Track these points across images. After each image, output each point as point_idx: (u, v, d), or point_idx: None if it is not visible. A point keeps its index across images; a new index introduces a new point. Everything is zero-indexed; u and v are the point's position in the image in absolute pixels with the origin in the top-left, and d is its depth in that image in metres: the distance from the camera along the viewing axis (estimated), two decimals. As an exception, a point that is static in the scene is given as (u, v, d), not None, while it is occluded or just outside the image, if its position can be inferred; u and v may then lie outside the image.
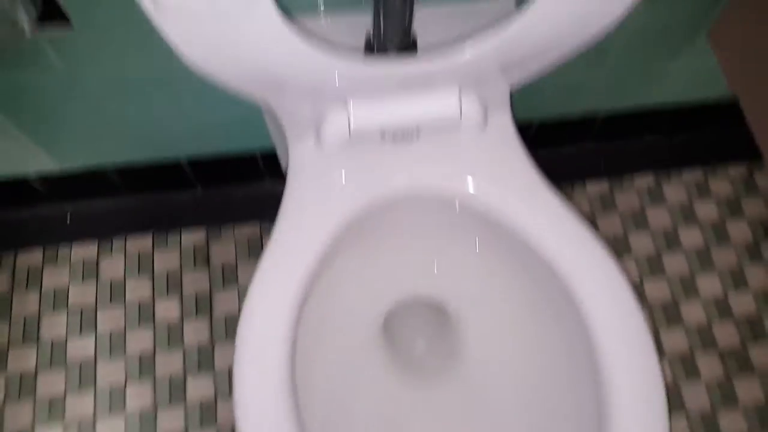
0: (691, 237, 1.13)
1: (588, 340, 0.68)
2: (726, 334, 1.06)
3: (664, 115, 1.06)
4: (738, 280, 1.10)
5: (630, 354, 0.66)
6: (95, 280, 1.09)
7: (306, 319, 0.72)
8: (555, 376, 0.75)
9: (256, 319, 0.68)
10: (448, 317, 0.85)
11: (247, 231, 1.11)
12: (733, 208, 1.15)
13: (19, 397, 1.01)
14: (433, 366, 0.85)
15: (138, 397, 1.02)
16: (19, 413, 1.00)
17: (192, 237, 1.11)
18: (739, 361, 1.04)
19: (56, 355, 1.04)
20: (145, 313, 1.07)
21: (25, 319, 1.06)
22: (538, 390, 0.76)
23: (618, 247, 1.11)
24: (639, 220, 1.14)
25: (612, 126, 1.07)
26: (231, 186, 1.09)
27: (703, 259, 1.11)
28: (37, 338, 1.05)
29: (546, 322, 0.75)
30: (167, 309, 1.07)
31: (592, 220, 1.11)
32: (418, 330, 0.89)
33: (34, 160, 0.96)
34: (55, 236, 1.11)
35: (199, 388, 1.02)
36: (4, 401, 1.01)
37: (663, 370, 0.66)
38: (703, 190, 1.16)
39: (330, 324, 0.78)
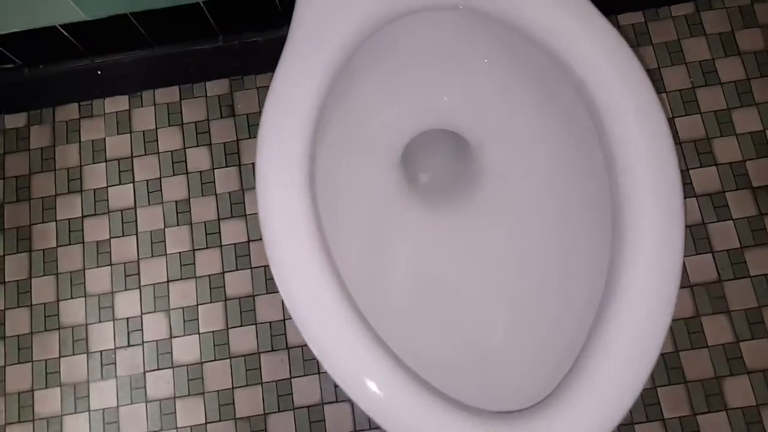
0: (731, 69, 1.06)
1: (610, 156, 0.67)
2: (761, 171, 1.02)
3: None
4: (779, 114, 1.04)
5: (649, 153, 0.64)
6: (129, 132, 1.12)
7: (324, 138, 0.73)
8: (574, 189, 0.75)
9: (273, 133, 0.69)
10: (467, 144, 0.84)
11: (268, 79, 1.10)
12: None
13: (69, 242, 1.08)
14: (454, 192, 0.85)
15: (176, 241, 1.07)
16: (71, 257, 1.07)
17: (216, 87, 1.11)
18: (773, 198, 1.01)
19: (99, 204, 1.10)
20: (178, 162, 1.10)
21: (68, 170, 1.11)
22: (558, 203, 0.76)
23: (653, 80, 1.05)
24: (675, 54, 1.07)
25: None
26: (251, 33, 1.08)
27: (743, 92, 1.05)
28: (81, 188, 1.10)
29: (565, 137, 0.74)
30: (198, 158, 1.10)
31: (625, 58, 1.05)
32: (437, 158, 0.89)
33: (62, 12, 0.97)
34: (89, 91, 1.13)
35: (232, 232, 1.06)
36: (57, 247, 1.08)
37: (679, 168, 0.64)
38: (747, 17, 1.07)
39: (349, 147, 0.79)
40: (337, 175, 0.79)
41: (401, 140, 0.84)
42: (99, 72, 1.12)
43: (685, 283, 0.99)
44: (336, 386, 0.99)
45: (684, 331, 0.97)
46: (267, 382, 1.01)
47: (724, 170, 1.02)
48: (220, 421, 1.00)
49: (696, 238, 1.00)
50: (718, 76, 1.05)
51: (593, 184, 0.71)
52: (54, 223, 1.09)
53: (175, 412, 1.01)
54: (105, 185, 1.09)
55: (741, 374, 0.95)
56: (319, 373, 1.00)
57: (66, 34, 1.02)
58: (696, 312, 0.98)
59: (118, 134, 1.11)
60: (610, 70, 0.66)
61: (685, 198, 0.72)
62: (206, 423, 1.00)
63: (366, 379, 0.62)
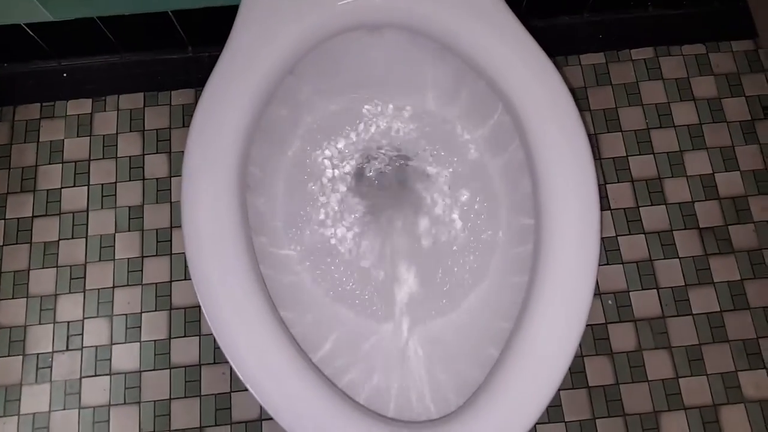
0: (685, 113, 1.07)
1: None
2: (708, 213, 1.03)
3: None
4: (728, 159, 1.05)
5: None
6: (89, 135, 1.09)
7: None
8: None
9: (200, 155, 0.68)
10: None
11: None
12: (733, 85, 1.08)
13: (16, 241, 1.04)
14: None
15: (126, 247, 1.03)
16: (16, 257, 1.03)
17: (182, 96, 1.10)
18: (718, 241, 1.02)
19: (51, 205, 1.06)
20: (136, 168, 1.08)
21: (23, 169, 1.07)
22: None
23: (610, 120, 1.08)
24: (632, 95, 1.08)
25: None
26: (221, 47, 1.07)
27: (695, 136, 1.06)
28: (34, 188, 1.07)
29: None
30: (156, 165, 1.07)
31: (584, 94, 1.07)
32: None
33: (27, 11, 0.95)
34: (52, 92, 1.10)
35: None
36: (2, 245, 1.05)
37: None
38: (703, 66, 1.09)
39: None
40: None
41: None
42: (65, 74, 1.10)
43: (630, 317, 0.98)
44: (276, 403, 0.96)
45: (626, 364, 0.96)
46: (206, 395, 0.97)
47: (674, 210, 1.02)
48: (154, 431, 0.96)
49: (642, 274, 0.99)
50: (672, 119, 1.06)
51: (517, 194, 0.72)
52: (2, 221, 1.05)
53: (108, 421, 0.96)
54: (59, 186, 1.06)
55: (678, 410, 0.94)
56: (259, 388, 0.97)
57: (32, 34, 1.01)
58: (638, 346, 0.97)
59: (77, 137, 1.09)
60: (522, 69, 0.68)
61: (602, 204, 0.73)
62: (140, 433, 0.96)
63: (276, 379, 0.61)
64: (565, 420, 0.94)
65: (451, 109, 0.81)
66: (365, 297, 0.77)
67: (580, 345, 0.97)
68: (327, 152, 0.83)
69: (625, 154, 1.05)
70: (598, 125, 1.06)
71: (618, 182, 1.03)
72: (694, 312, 0.98)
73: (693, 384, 0.95)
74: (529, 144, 0.67)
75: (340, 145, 0.83)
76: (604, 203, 1.02)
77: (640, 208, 1.02)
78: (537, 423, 0.93)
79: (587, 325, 0.98)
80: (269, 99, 0.72)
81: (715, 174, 1.03)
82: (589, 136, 0.91)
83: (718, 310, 0.98)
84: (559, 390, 0.94)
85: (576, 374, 0.96)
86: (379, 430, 0.58)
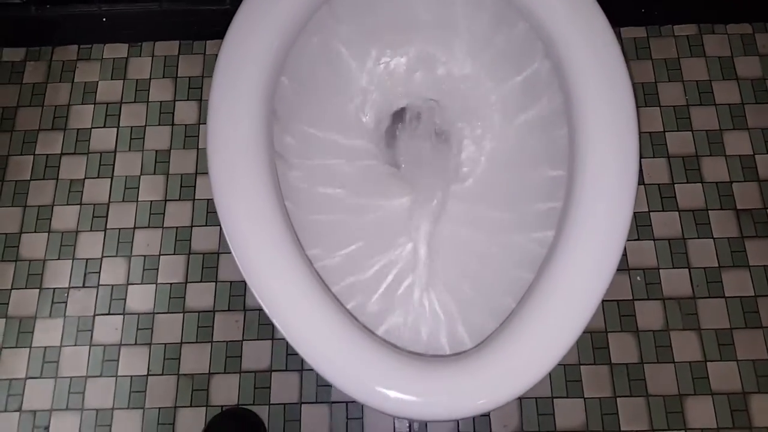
0: (726, 92, 1.01)
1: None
2: (747, 195, 0.97)
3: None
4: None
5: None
6: (122, 78, 1.08)
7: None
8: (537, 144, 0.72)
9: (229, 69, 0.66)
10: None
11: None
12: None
13: (43, 177, 1.03)
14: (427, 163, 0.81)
15: (150, 189, 1.00)
16: (42, 192, 1.01)
17: (216, 47, 1.08)
18: (756, 224, 0.95)
19: (80, 144, 1.05)
20: (166, 113, 1.06)
21: (55, 107, 1.06)
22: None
23: (648, 94, 1.02)
24: (673, 71, 1.03)
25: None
26: None
27: (736, 116, 1.00)
28: (65, 126, 1.06)
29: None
30: (186, 111, 1.05)
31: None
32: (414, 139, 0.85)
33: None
34: (90, 36, 1.09)
35: (208, 187, 1.00)
36: (30, 180, 1.03)
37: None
38: (748, 46, 1.04)
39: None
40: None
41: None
42: (104, 19, 1.08)
43: (658, 295, 0.92)
44: (288, 354, 0.92)
45: (651, 344, 0.90)
46: (217, 341, 0.93)
47: (710, 189, 0.97)
48: (162, 374, 0.92)
49: (674, 252, 0.94)
50: (713, 97, 1.01)
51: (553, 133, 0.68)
52: (32, 156, 1.03)
53: (117, 360, 0.93)
54: (89, 126, 1.04)
55: (705, 394, 0.88)
56: (272, 339, 0.93)
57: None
58: (666, 325, 0.91)
59: (111, 79, 1.07)
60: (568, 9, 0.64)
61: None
62: (148, 375, 0.92)
63: (302, 316, 0.57)
64: (585, 396, 0.89)
65: (484, 57, 0.78)
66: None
67: (604, 319, 0.92)
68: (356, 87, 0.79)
69: (662, 130, 0.99)
70: (636, 99, 1.01)
71: (654, 157, 0.98)
72: (726, 295, 0.92)
73: (722, 369, 0.89)
74: (570, 89, 0.63)
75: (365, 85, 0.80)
76: (638, 179, 0.97)
77: (675, 185, 0.97)
78: (555, 397, 0.89)
79: (613, 300, 0.93)
80: (300, 30, 0.69)
81: (756, 155, 0.98)
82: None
83: (753, 294, 0.92)
84: (580, 364, 0.90)
85: (599, 350, 0.90)
86: (398, 362, 0.54)
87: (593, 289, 0.57)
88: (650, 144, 0.99)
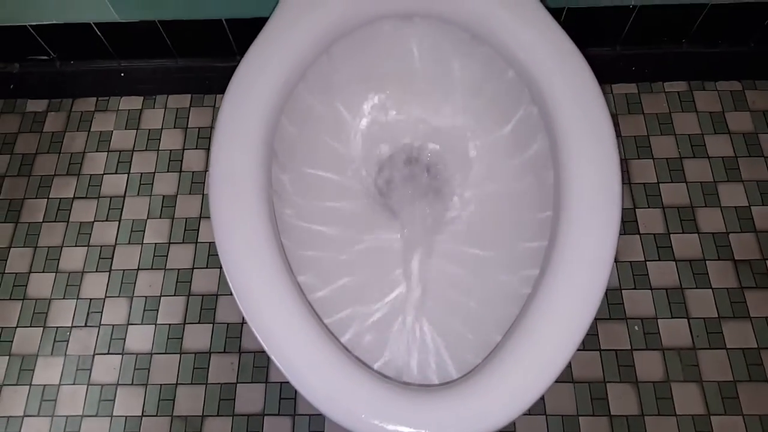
0: (719, 146, 1.03)
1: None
2: (744, 246, 0.96)
3: (705, 19, 0.99)
4: (765, 193, 0.99)
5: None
6: (136, 128, 1.12)
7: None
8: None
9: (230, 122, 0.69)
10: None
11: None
12: (770, 122, 1.03)
13: (55, 219, 1.06)
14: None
15: (156, 232, 1.03)
16: (53, 233, 1.04)
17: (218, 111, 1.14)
18: (755, 274, 0.94)
19: (92, 188, 1.08)
20: (174, 161, 1.10)
21: (71, 155, 1.11)
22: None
23: (641, 146, 1.04)
24: (665, 125, 1.05)
25: (645, 24, 1.00)
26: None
27: (730, 168, 1.02)
28: (79, 172, 1.10)
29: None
30: (194, 159, 1.09)
31: (614, 121, 1.05)
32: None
33: (98, 10, 1.02)
34: (108, 89, 1.15)
35: (210, 232, 1.03)
36: (42, 222, 1.07)
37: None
38: (738, 102, 1.06)
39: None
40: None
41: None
42: (122, 74, 1.15)
43: (657, 345, 0.91)
44: (281, 399, 0.92)
45: (652, 395, 0.88)
46: (212, 383, 0.93)
47: (707, 239, 0.97)
48: (156, 415, 0.92)
49: (672, 302, 0.93)
50: (706, 150, 1.02)
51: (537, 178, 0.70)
52: (46, 200, 1.07)
53: (114, 399, 0.93)
54: (102, 172, 1.08)
55: (710, 450, 0.85)
56: (266, 382, 0.92)
57: (99, 34, 1.07)
58: (666, 377, 0.89)
59: (125, 129, 1.12)
60: (552, 54, 0.67)
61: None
62: (142, 415, 0.92)
63: (296, 347, 0.57)
64: (583, 447, 0.86)
65: (475, 104, 0.81)
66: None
67: (602, 369, 0.90)
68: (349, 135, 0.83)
69: (656, 181, 1.00)
70: (628, 151, 1.03)
71: (648, 207, 0.99)
72: (728, 346, 0.90)
73: (727, 423, 0.86)
74: (555, 131, 0.66)
75: (359, 135, 0.83)
76: (633, 227, 0.98)
77: (671, 235, 0.97)
78: (553, 447, 0.86)
79: (611, 350, 0.91)
80: (301, 77, 0.73)
81: (752, 207, 0.98)
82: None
83: (756, 346, 0.90)
84: (578, 415, 0.88)
85: (597, 400, 0.88)
86: (392, 393, 0.54)
87: (578, 320, 0.56)
88: (644, 194, 1.00)
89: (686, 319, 0.92)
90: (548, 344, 0.55)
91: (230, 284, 0.59)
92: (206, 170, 1.08)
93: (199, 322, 0.97)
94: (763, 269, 0.94)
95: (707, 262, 0.95)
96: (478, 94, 0.79)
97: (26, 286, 1.01)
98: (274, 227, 0.64)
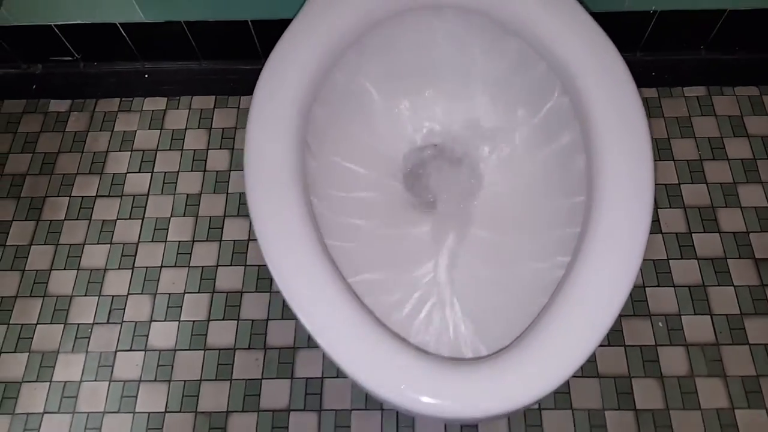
0: (738, 148, 1.06)
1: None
2: (765, 245, 0.99)
3: (723, 26, 1.03)
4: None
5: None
6: (160, 128, 1.14)
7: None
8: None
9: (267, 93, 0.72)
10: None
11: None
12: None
13: (77, 217, 1.07)
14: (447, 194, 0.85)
15: (179, 230, 1.04)
16: (74, 231, 1.05)
17: (250, 101, 1.16)
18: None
19: (115, 187, 1.10)
20: (198, 161, 1.12)
21: (94, 154, 1.12)
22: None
23: (662, 149, 1.07)
24: (685, 128, 1.09)
25: (665, 29, 1.04)
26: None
27: (749, 170, 1.04)
28: (102, 171, 1.12)
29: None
30: (218, 159, 1.11)
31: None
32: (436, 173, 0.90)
33: (124, 10, 1.04)
34: (132, 90, 1.17)
35: (235, 229, 1.04)
36: (64, 220, 1.08)
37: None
38: (757, 106, 1.09)
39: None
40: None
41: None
42: (146, 75, 1.17)
43: (681, 341, 0.93)
44: (306, 394, 0.92)
45: (677, 390, 0.89)
46: (237, 379, 0.94)
47: (728, 238, 0.99)
48: (180, 412, 0.92)
49: (695, 299, 0.95)
50: (725, 153, 1.06)
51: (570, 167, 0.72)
52: (68, 198, 1.08)
53: (136, 396, 0.93)
54: (125, 171, 1.10)
55: (736, 444, 0.86)
56: (291, 378, 0.93)
57: (124, 34, 1.10)
58: (691, 372, 0.91)
59: (149, 129, 1.14)
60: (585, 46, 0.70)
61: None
62: (165, 411, 0.92)
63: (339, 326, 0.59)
64: (610, 443, 0.88)
65: (504, 97, 0.83)
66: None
67: (627, 364, 0.92)
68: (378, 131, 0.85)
69: (677, 182, 1.03)
70: (650, 153, 1.06)
71: (670, 207, 1.02)
72: (750, 342, 0.92)
73: (751, 417, 0.87)
74: (588, 120, 0.68)
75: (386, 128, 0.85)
76: (656, 227, 1.00)
77: (693, 234, 0.99)
78: (580, 443, 0.87)
79: (636, 345, 0.93)
80: (331, 68, 0.75)
81: (772, 207, 1.01)
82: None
83: (778, 342, 0.92)
84: (604, 410, 0.89)
85: (623, 395, 0.90)
86: (432, 365, 0.56)
87: (611, 301, 0.58)
88: (666, 195, 1.03)
89: (709, 316, 0.94)
90: (580, 325, 0.56)
91: (270, 268, 0.60)
92: (231, 169, 1.10)
93: (223, 319, 0.98)
94: (784, 268, 0.97)
95: (728, 260, 0.98)
96: (507, 86, 0.81)
97: (47, 283, 1.02)
98: (310, 213, 0.66)
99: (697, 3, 0.97)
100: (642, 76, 1.11)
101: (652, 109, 1.10)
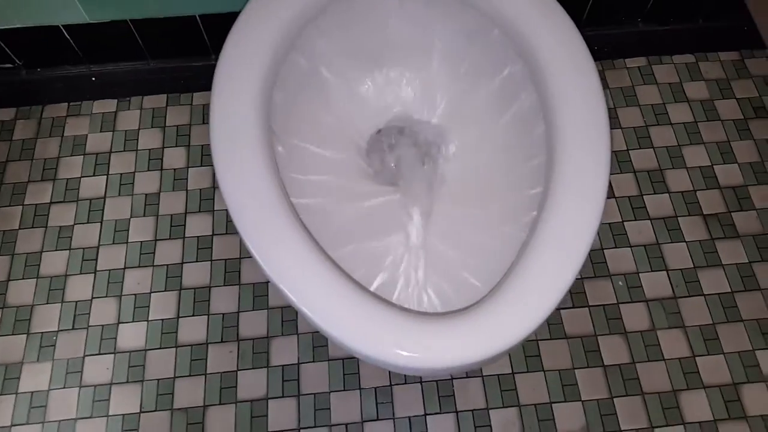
0: (680, 113, 1.12)
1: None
2: (711, 201, 1.05)
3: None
4: (726, 153, 1.08)
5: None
6: (112, 130, 1.13)
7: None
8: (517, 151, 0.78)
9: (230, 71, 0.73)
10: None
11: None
12: (723, 89, 1.14)
13: (32, 225, 1.05)
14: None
15: (140, 231, 1.04)
16: (30, 240, 1.03)
17: (203, 98, 1.16)
18: (723, 226, 1.03)
19: (69, 192, 1.08)
20: (155, 160, 1.11)
21: (45, 160, 1.10)
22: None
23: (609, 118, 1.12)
24: (629, 97, 1.14)
25: (603, 4, 1.10)
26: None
27: (692, 132, 1.11)
28: (54, 177, 1.10)
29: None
30: (175, 157, 1.10)
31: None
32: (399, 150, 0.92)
33: (66, 11, 1.03)
34: (80, 94, 1.16)
35: (197, 225, 1.04)
36: (18, 229, 1.06)
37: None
38: (694, 73, 1.16)
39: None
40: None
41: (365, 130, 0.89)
42: (93, 78, 1.16)
43: (641, 297, 0.98)
44: (284, 381, 0.93)
45: (641, 344, 0.94)
46: (212, 373, 0.94)
47: (677, 198, 1.05)
48: (155, 410, 0.91)
49: (651, 257, 1.00)
50: (669, 118, 1.12)
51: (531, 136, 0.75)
52: (21, 207, 1.06)
53: (109, 399, 0.92)
54: (79, 176, 1.08)
55: (698, 388, 0.91)
56: (267, 367, 0.94)
57: (68, 37, 1.08)
58: (652, 326, 0.96)
59: (101, 132, 1.12)
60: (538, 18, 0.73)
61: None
62: (140, 412, 0.92)
63: (313, 285, 0.60)
64: (582, 399, 0.91)
65: (461, 68, 0.87)
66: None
67: (592, 323, 0.96)
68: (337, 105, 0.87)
69: (626, 148, 1.09)
70: (598, 122, 1.11)
71: (621, 173, 1.07)
72: (705, 293, 0.98)
73: (711, 363, 0.93)
74: (546, 84, 0.71)
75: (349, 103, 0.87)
76: (609, 192, 1.05)
77: (644, 196, 1.05)
78: (554, 402, 0.91)
79: (599, 305, 0.97)
80: (290, 49, 0.77)
81: (714, 166, 1.07)
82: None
83: (730, 290, 0.98)
84: (574, 368, 0.93)
85: (590, 353, 0.94)
86: (397, 316, 0.58)
87: (578, 247, 0.61)
88: (616, 161, 1.08)
89: (665, 272, 0.99)
90: (552, 268, 0.60)
91: (243, 237, 0.61)
92: (188, 166, 1.10)
93: (193, 315, 0.98)
94: (729, 221, 1.03)
95: (679, 218, 1.03)
96: (463, 58, 0.84)
97: (5, 294, 1.00)
98: (283, 190, 0.67)
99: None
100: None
101: (596, 81, 1.15)
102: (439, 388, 0.92)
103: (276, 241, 0.61)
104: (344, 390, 0.92)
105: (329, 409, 0.91)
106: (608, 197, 1.05)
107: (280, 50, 0.75)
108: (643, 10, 1.11)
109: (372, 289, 0.74)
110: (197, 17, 1.05)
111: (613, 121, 1.12)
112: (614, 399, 0.91)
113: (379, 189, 0.83)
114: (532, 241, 0.60)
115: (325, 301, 0.57)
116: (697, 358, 0.93)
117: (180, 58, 1.14)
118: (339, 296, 0.58)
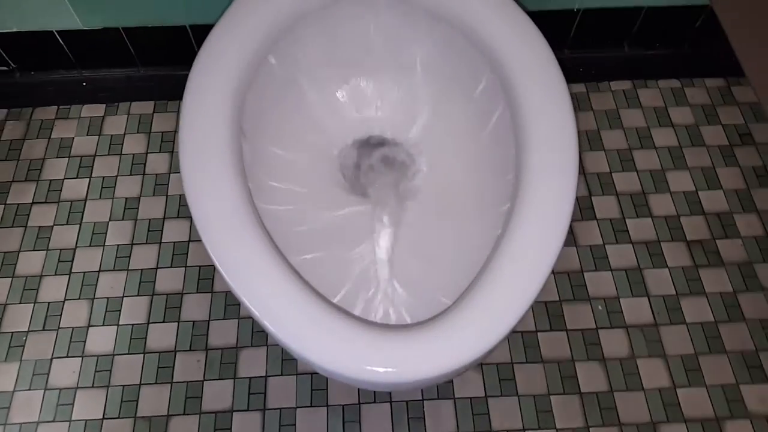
0: (664, 137, 1.07)
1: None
2: (695, 227, 0.99)
3: (643, 23, 1.05)
4: (710, 179, 1.03)
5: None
6: (98, 134, 1.09)
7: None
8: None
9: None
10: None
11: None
12: (709, 115, 1.09)
13: (12, 224, 1.01)
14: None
15: (118, 234, 0.99)
16: (8, 239, 0.99)
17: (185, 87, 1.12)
18: (707, 253, 0.97)
19: (51, 193, 1.03)
20: (138, 164, 1.06)
21: (30, 161, 1.06)
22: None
23: (592, 141, 1.07)
24: (613, 120, 1.09)
25: (589, 27, 1.06)
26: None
27: (676, 157, 1.05)
28: (38, 177, 1.05)
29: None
30: (158, 162, 1.06)
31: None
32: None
33: (60, 17, 1.00)
34: (70, 98, 1.12)
35: (175, 231, 0.99)
36: (-1, 227, 1.02)
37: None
38: (679, 97, 1.11)
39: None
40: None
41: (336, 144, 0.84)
42: (84, 83, 1.12)
43: (621, 323, 0.92)
44: (250, 394, 0.88)
45: (619, 372, 0.88)
46: (177, 382, 0.88)
47: (660, 222, 0.99)
48: (118, 417, 0.86)
49: (632, 282, 0.94)
50: (653, 142, 1.06)
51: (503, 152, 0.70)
52: (2, 206, 1.01)
53: (73, 404, 0.86)
54: (62, 177, 1.04)
55: (678, 422, 0.84)
56: (234, 378, 0.88)
57: (62, 42, 1.05)
58: (632, 353, 0.89)
59: (87, 135, 1.08)
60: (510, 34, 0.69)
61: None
62: (103, 418, 0.86)
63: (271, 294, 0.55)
64: (557, 427, 0.84)
65: (437, 83, 0.82)
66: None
67: (570, 348, 0.90)
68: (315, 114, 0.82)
69: (608, 171, 1.03)
70: (581, 144, 1.05)
71: (603, 195, 1.01)
72: (687, 321, 0.92)
73: (692, 395, 0.86)
74: (514, 94, 0.67)
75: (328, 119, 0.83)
76: (590, 214, 1.00)
77: (626, 220, 0.99)
78: (526, 429, 0.85)
79: (577, 329, 0.91)
80: (266, 55, 0.73)
81: (699, 191, 1.01)
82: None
83: (713, 320, 0.91)
84: (549, 394, 0.87)
85: (567, 379, 0.87)
86: (367, 332, 0.53)
87: (541, 262, 0.56)
88: (599, 183, 1.02)
89: (646, 298, 0.93)
90: (521, 275, 0.55)
91: (211, 254, 0.56)
92: (170, 172, 1.05)
93: (164, 321, 0.93)
94: (713, 248, 0.97)
95: (662, 243, 0.97)
96: (441, 71, 0.80)
97: (-21, 292, 0.95)
98: (248, 195, 0.62)
99: (617, 0, 0.99)
100: (570, 73, 1.10)
101: (581, 103, 1.10)
102: (409, 410, 0.86)
103: (238, 250, 0.56)
104: (311, 406, 0.86)
105: (294, 425, 0.85)
106: (590, 219, 0.99)
107: (256, 58, 0.71)
108: (629, 34, 1.07)
109: (337, 299, 0.68)
110: (187, 27, 1.02)
111: (597, 143, 1.06)
112: (590, 429, 0.84)
113: (349, 199, 0.78)
114: (495, 254, 0.55)
115: (286, 314, 0.53)
116: (678, 390, 0.87)
117: (169, 66, 1.11)
118: (301, 310, 0.53)
